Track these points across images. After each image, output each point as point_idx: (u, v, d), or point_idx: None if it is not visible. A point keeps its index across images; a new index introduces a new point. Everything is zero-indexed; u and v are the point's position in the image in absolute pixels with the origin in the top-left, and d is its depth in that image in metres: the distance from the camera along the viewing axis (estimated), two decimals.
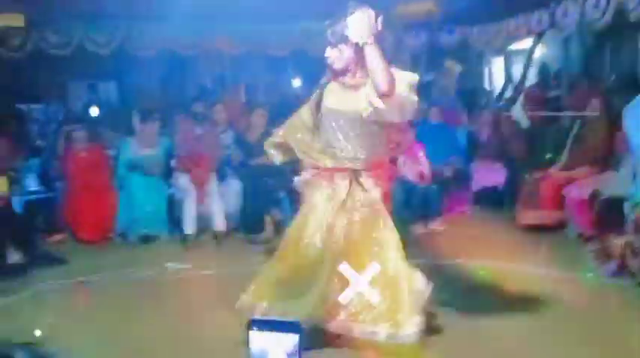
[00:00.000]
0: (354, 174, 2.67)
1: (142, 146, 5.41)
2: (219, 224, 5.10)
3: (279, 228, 4.81)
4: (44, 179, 5.67)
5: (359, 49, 2.46)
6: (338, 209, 2.66)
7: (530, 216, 5.04)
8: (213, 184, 5.21)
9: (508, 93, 7.36)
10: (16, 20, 6.04)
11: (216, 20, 6.27)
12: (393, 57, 7.58)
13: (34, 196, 5.53)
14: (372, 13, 2.41)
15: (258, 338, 1.04)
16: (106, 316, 3.42)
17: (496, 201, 5.98)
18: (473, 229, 5.22)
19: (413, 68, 7.90)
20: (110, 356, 2.83)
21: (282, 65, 7.65)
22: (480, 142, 6.17)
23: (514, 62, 7.62)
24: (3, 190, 4.63)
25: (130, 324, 3.26)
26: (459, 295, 3.51)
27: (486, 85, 7.55)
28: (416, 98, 2.53)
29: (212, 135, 5.46)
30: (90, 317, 3.45)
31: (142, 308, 3.55)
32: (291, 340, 1.04)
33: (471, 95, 7.32)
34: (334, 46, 2.55)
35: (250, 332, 1.04)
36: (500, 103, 7.17)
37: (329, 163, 2.70)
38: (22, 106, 6.87)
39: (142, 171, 5.31)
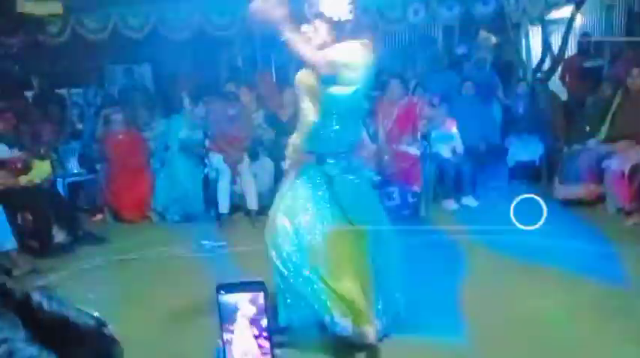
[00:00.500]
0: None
1: (192, 127, 5.52)
2: (252, 203, 5.19)
3: None
4: (85, 161, 5.89)
5: (335, 25, 2.39)
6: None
7: (567, 191, 4.91)
8: (245, 164, 5.29)
9: (546, 65, 7.11)
10: (55, 7, 6.20)
11: None
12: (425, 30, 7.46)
13: (76, 178, 5.76)
14: None
15: (227, 301, 1.08)
16: (146, 291, 3.57)
17: (533, 175, 5.86)
18: (507, 204, 5.12)
19: (446, 41, 7.77)
20: (148, 328, 2.96)
21: None
22: (515, 116, 6.02)
23: (552, 32, 7.33)
24: (47, 173, 4.83)
25: (167, 299, 3.39)
26: (493, 271, 3.50)
27: (523, 57, 7.30)
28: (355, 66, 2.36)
29: (244, 115, 5.52)
30: (130, 292, 3.61)
31: (179, 284, 3.68)
32: (258, 298, 1.07)
33: (507, 68, 7.10)
34: (310, 21, 2.45)
35: (219, 295, 1.08)
36: (538, 75, 6.94)
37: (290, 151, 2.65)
38: (63, 91, 7.09)
39: (191, 152, 5.44)
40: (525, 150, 5.75)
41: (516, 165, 5.75)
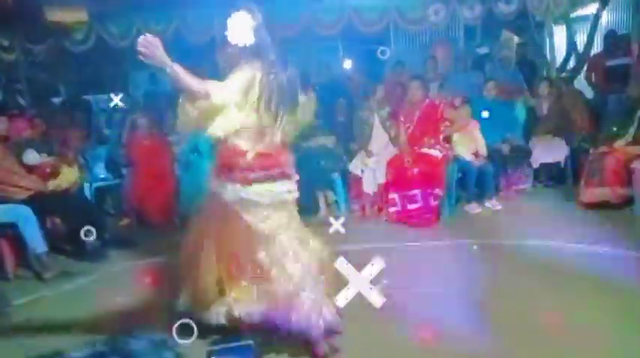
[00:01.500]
0: None
1: None
2: None
3: (333, 209, 4.87)
4: (111, 166, 6.00)
5: (241, 51, 2.48)
6: None
7: (594, 193, 4.83)
8: None
9: (571, 64, 7.00)
10: (80, 15, 6.33)
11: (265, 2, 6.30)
12: (447, 30, 7.38)
13: (102, 183, 5.88)
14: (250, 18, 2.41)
15: None
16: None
17: (557, 177, 5.78)
18: (532, 207, 5.08)
19: (468, 41, 7.69)
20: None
21: (332, 44, 7.60)
22: (540, 116, 5.93)
23: (577, 30, 7.20)
24: (75, 178, 4.94)
25: None
26: (517, 276, 3.47)
27: (547, 56, 7.18)
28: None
29: None
30: (157, 294, 3.67)
31: None
32: None
33: (531, 67, 7.00)
34: (220, 48, 2.56)
35: None
36: (563, 74, 6.83)
37: None
38: (89, 97, 7.23)
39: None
40: (550, 151, 5.67)
41: (541, 167, 5.67)
